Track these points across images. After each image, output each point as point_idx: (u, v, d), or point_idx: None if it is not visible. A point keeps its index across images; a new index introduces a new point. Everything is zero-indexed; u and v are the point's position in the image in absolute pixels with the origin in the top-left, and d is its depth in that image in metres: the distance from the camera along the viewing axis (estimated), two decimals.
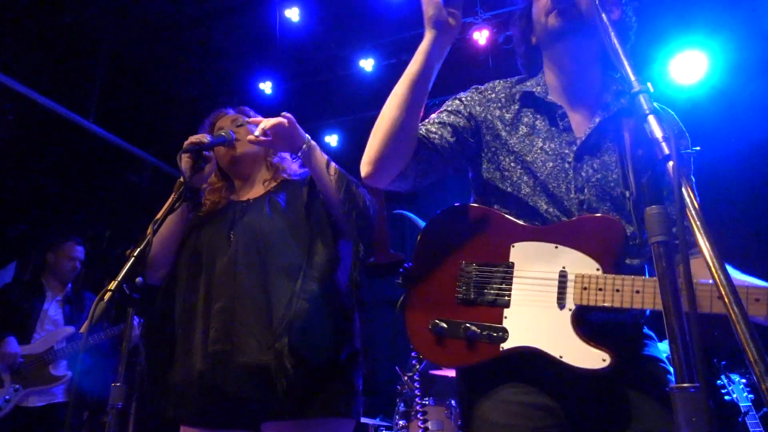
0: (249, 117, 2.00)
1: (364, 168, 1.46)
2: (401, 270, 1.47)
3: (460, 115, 1.48)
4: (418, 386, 3.18)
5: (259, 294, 1.64)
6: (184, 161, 1.77)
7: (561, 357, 1.21)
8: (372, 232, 1.72)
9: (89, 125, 5.03)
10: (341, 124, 5.85)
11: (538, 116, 1.44)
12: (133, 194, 5.74)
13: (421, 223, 5.52)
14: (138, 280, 1.44)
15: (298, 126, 1.69)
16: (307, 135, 1.73)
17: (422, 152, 1.43)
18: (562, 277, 1.25)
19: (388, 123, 1.39)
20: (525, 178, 1.38)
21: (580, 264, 1.25)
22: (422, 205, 5.89)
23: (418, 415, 3.11)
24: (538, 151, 1.39)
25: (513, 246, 1.33)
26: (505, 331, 1.27)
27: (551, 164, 1.37)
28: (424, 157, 1.44)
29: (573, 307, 1.23)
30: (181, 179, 1.74)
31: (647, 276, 1.22)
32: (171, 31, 5.05)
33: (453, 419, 3.34)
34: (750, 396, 3.14)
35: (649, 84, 0.83)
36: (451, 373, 4.21)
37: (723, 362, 3.07)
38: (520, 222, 1.36)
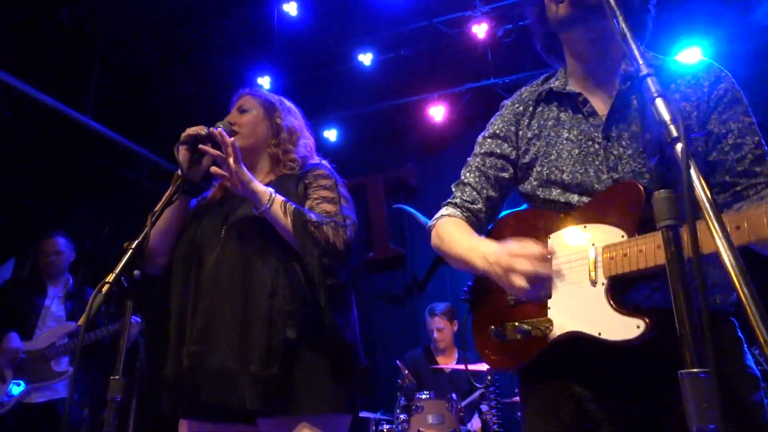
0: (258, 98, 1.97)
1: None
2: (465, 289, 1.55)
3: (495, 156, 1.53)
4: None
5: (238, 300, 1.63)
6: (181, 153, 1.75)
7: (600, 334, 1.20)
8: (344, 262, 1.68)
9: (87, 121, 5.01)
10: (340, 118, 5.83)
11: (562, 108, 1.45)
12: (132, 190, 5.72)
13: (421, 218, 5.58)
14: (136, 273, 1.43)
15: (243, 179, 1.67)
16: (269, 190, 1.69)
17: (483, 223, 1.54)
18: (591, 251, 1.25)
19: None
20: (554, 177, 1.39)
21: (606, 236, 1.24)
22: (421, 199, 5.90)
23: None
24: (564, 141, 1.40)
25: (549, 238, 1.35)
26: (550, 321, 1.28)
27: (577, 150, 1.37)
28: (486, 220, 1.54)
29: (605, 281, 1.22)
30: (179, 172, 1.72)
31: None
32: (169, 25, 5.03)
33: (454, 413, 3.34)
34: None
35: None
36: (451, 366, 4.21)
37: None
38: (555, 214, 1.37)
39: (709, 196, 0.66)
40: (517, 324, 1.33)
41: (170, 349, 1.68)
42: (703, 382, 0.65)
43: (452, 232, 1.49)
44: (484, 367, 3.50)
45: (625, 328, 1.16)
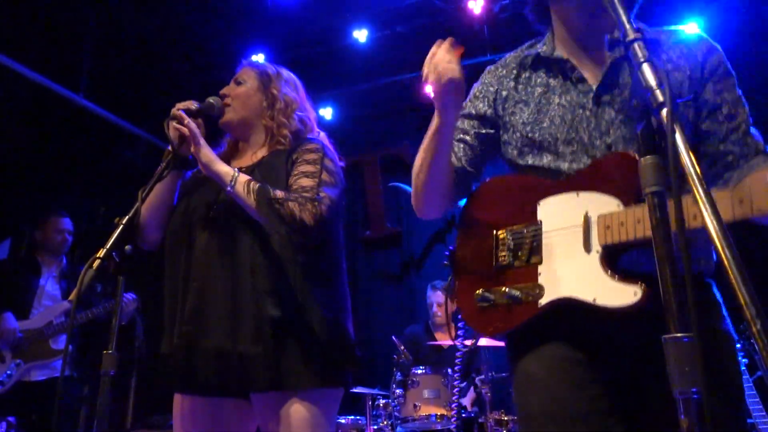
0: (255, 69, 1.95)
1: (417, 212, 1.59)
2: (446, 253, 1.52)
3: (472, 117, 1.52)
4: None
5: (227, 280, 1.64)
6: (172, 129, 1.74)
7: (594, 300, 1.20)
8: (316, 238, 1.66)
9: (80, 100, 4.97)
10: (336, 96, 5.79)
11: (551, 74, 1.43)
12: (127, 170, 5.70)
13: None
14: (127, 248, 1.43)
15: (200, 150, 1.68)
16: (232, 170, 1.67)
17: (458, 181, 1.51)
18: (586, 221, 1.25)
19: (420, 183, 1.52)
20: (546, 144, 1.38)
21: (601, 204, 1.24)
22: None
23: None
24: (555, 107, 1.39)
25: (539, 204, 1.34)
26: (541, 287, 1.28)
27: (570, 116, 1.36)
28: (460, 182, 1.52)
29: (599, 249, 1.22)
30: (170, 148, 1.71)
31: None
32: (162, 1, 4.96)
33: (449, 387, 3.37)
34: (744, 360, 3.17)
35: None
36: (447, 342, 4.24)
37: None
38: (545, 180, 1.37)
39: (694, 161, 0.66)
40: (506, 289, 1.32)
41: (165, 327, 1.70)
42: (686, 346, 0.66)
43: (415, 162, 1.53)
44: (482, 342, 3.53)
45: (622, 294, 1.16)
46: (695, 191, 0.66)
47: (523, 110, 1.43)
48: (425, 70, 1.39)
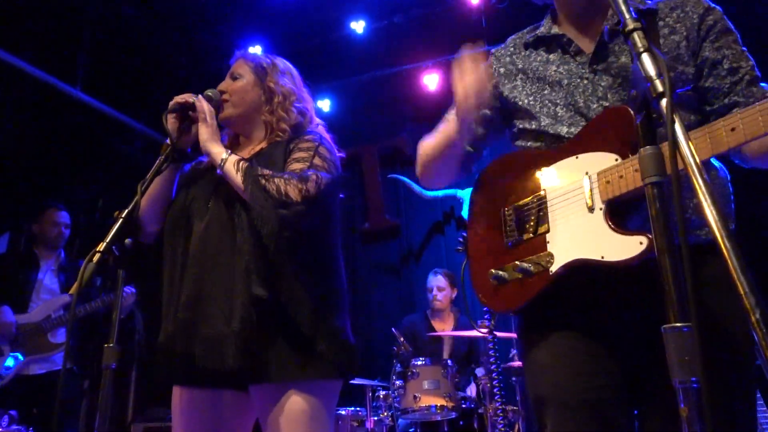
0: (251, 63, 1.93)
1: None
2: (459, 239, 1.56)
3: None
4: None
5: (226, 268, 1.63)
6: (170, 122, 1.73)
7: (603, 257, 1.20)
8: (299, 212, 1.61)
9: (77, 93, 4.95)
10: (333, 88, 5.77)
11: (550, 50, 1.47)
12: (125, 163, 5.68)
13: (416, 187, 5.59)
14: (127, 241, 1.43)
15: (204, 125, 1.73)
16: (224, 150, 1.70)
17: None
18: (586, 180, 1.26)
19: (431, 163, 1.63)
20: (545, 110, 1.41)
21: (600, 162, 1.25)
22: (416, 169, 5.86)
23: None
24: (553, 74, 1.42)
25: (541, 174, 1.36)
26: (551, 255, 1.29)
27: (566, 81, 1.40)
28: (465, 161, 1.59)
29: (602, 206, 1.23)
30: (168, 141, 1.71)
31: None
32: None
33: (449, 378, 3.39)
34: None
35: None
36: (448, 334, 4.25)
37: None
38: (545, 151, 1.39)
39: (694, 150, 0.65)
40: (517, 263, 1.33)
41: (163, 317, 1.69)
42: (686, 336, 0.66)
43: (425, 139, 1.62)
44: (483, 332, 3.54)
45: (628, 247, 1.15)
46: (695, 181, 0.66)
47: (524, 81, 1.48)
48: (457, 85, 1.41)
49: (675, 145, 0.67)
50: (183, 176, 1.87)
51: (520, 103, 1.46)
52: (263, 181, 1.60)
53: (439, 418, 3.48)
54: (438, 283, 4.49)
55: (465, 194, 5.25)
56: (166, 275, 1.73)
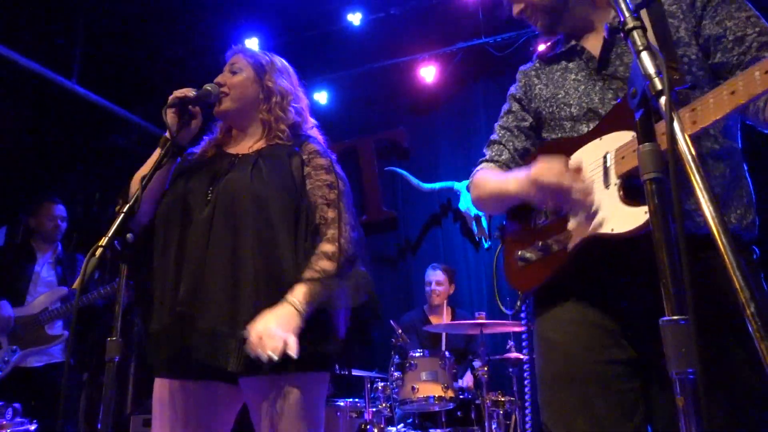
0: (249, 58, 1.92)
1: None
2: (497, 228, 1.66)
3: (521, 116, 1.64)
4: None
5: (228, 264, 1.63)
6: (170, 117, 1.74)
7: (612, 230, 1.23)
8: (346, 268, 1.70)
9: (73, 86, 4.93)
10: (330, 80, 5.76)
11: (568, 60, 1.55)
12: (122, 156, 5.67)
13: (413, 180, 5.63)
14: (129, 236, 1.44)
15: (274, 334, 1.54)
16: (296, 310, 1.60)
17: None
18: (604, 159, 1.31)
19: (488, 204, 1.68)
20: (564, 114, 1.49)
21: (618, 141, 1.29)
22: (413, 161, 5.88)
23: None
24: (571, 82, 1.50)
25: (570, 159, 1.40)
26: (569, 233, 1.34)
27: (583, 87, 1.47)
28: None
29: (617, 181, 1.26)
30: (167, 134, 1.72)
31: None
32: None
33: (447, 369, 3.42)
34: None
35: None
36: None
37: None
38: (574, 138, 1.44)
39: (692, 147, 0.67)
40: (539, 242, 1.40)
41: (155, 307, 1.67)
42: (683, 329, 0.68)
43: (486, 176, 1.62)
44: (478, 322, 3.57)
45: (635, 216, 1.18)
46: (692, 178, 0.67)
47: (543, 90, 1.57)
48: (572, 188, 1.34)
49: (673, 143, 0.68)
50: (178, 166, 1.85)
51: (544, 109, 1.55)
52: (326, 282, 1.63)
53: (436, 409, 3.51)
54: (437, 278, 4.51)
55: (462, 186, 5.26)
56: (158, 264, 1.70)
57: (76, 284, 1.34)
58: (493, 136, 1.69)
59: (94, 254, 1.37)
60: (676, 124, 0.67)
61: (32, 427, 3.09)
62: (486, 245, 5.27)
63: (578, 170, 1.33)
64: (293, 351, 1.49)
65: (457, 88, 5.62)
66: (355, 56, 5.63)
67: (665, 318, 0.69)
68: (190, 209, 1.72)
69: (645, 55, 0.76)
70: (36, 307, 3.70)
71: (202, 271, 1.63)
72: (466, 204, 5.21)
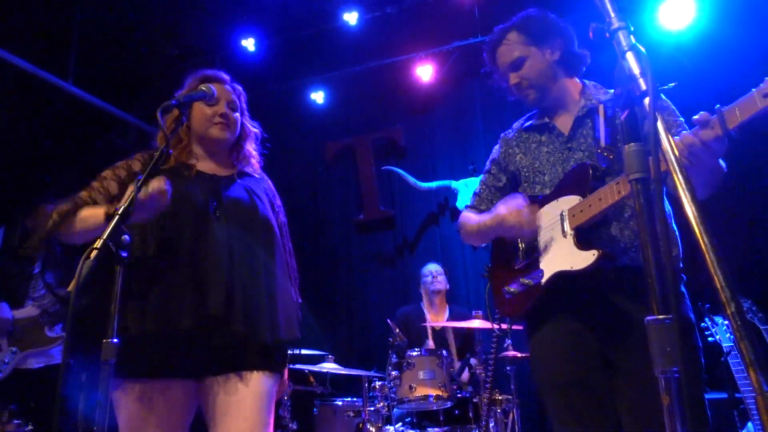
0: (239, 96, 2.08)
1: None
2: (483, 269, 2.18)
3: (495, 176, 2.14)
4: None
5: (258, 280, 1.82)
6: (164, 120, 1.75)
7: (572, 267, 1.70)
8: None
9: (69, 87, 4.93)
10: (327, 80, 5.76)
11: (541, 134, 2.01)
12: (119, 157, 5.66)
13: (410, 179, 5.63)
14: (124, 237, 1.44)
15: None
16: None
17: None
18: (561, 216, 1.79)
19: (474, 238, 2.17)
20: (538, 179, 1.95)
21: (570, 203, 1.78)
22: (410, 160, 5.89)
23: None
24: (544, 154, 1.97)
25: (540, 214, 1.87)
26: (541, 271, 1.79)
27: (553, 158, 1.93)
28: None
29: (572, 232, 1.74)
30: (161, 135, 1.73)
31: None
32: None
33: (444, 368, 3.42)
34: (732, 337, 3.23)
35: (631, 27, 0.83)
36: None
37: (707, 305, 3.15)
38: (542, 199, 1.90)
39: (675, 146, 0.68)
40: (521, 280, 1.83)
41: (134, 309, 1.73)
42: (668, 328, 0.68)
43: (469, 215, 2.13)
44: (474, 324, 3.58)
45: (585, 258, 1.67)
46: (675, 177, 0.68)
47: (522, 159, 2.03)
48: (517, 219, 1.85)
49: (657, 143, 0.69)
50: (177, 179, 1.87)
51: (522, 172, 2.01)
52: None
53: (434, 408, 3.52)
54: (436, 269, 4.57)
55: (459, 185, 5.27)
56: (161, 273, 1.75)
57: (71, 286, 1.35)
58: (477, 190, 2.18)
59: (89, 256, 1.38)
60: (659, 124, 0.68)
61: (29, 428, 3.09)
62: (483, 244, 5.28)
63: (532, 214, 1.82)
64: None
65: (453, 87, 5.62)
66: (352, 55, 5.63)
67: (650, 317, 0.70)
68: (198, 223, 1.81)
69: (630, 56, 0.77)
70: (35, 309, 3.70)
71: (233, 283, 1.76)
72: (463, 202, 5.21)
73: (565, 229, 1.74)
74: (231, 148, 2.07)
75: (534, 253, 1.84)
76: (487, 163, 2.17)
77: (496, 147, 2.15)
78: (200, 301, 1.72)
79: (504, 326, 3.47)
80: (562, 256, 1.73)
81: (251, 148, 2.12)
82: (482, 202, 2.13)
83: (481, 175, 2.19)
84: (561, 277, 1.72)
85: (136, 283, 1.72)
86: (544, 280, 1.75)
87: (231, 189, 1.93)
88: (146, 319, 1.70)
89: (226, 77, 2.08)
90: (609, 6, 0.83)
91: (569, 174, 1.83)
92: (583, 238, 1.72)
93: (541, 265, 1.78)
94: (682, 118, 1.78)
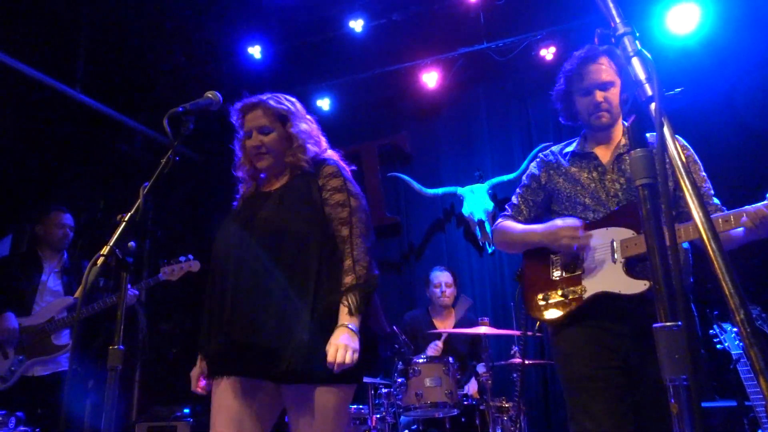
0: (271, 110, 2.08)
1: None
2: (516, 271, 2.32)
3: (537, 192, 2.31)
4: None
5: (277, 292, 1.85)
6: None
7: (620, 291, 1.92)
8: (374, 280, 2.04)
9: (76, 94, 4.96)
10: (332, 86, 5.77)
11: (583, 162, 2.19)
12: (126, 163, 5.70)
13: (416, 185, 5.63)
14: (131, 244, 1.44)
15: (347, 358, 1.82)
16: (349, 333, 1.84)
17: None
18: (611, 244, 2.00)
19: (510, 247, 2.40)
20: (578, 200, 2.14)
21: (622, 234, 2.00)
22: (416, 166, 5.88)
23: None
24: (585, 179, 2.16)
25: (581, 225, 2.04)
26: (584, 287, 2.01)
27: (593, 185, 2.13)
28: None
29: (622, 259, 1.97)
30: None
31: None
32: None
33: (450, 375, 3.41)
34: (741, 344, 3.20)
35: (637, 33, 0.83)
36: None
37: (715, 312, 3.12)
38: (585, 222, 2.07)
39: (681, 152, 0.67)
40: (560, 291, 2.06)
41: (205, 329, 1.91)
42: (676, 334, 0.68)
43: (511, 224, 2.28)
44: (481, 330, 3.56)
45: (635, 286, 1.91)
46: (681, 182, 0.67)
47: (562, 183, 2.20)
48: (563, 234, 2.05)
49: (663, 148, 0.68)
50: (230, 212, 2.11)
51: (562, 197, 2.19)
52: (358, 297, 1.91)
53: (441, 415, 3.50)
54: (446, 279, 4.49)
55: (465, 191, 5.25)
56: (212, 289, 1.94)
57: (77, 293, 1.35)
58: (514, 200, 2.33)
59: (95, 263, 1.38)
60: (665, 129, 0.68)
61: None
62: (489, 250, 5.26)
63: (587, 237, 1.99)
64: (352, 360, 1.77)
65: (459, 93, 5.62)
66: (358, 62, 5.64)
67: (658, 324, 0.69)
68: (231, 247, 1.94)
69: (636, 61, 0.77)
70: (42, 316, 3.71)
71: (257, 298, 1.85)
72: (469, 209, 5.21)
73: (616, 257, 1.96)
74: (287, 163, 2.09)
75: (576, 269, 2.04)
76: (525, 178, 2.34)
77: (534, 164, 2.32)
78: (218, 327, 1.85)
79: (538, 334, 3.56)
80: (609, 278, 1.95)
81: (301, 152, 2.07)
82: (520, 213, 2.31)
83: (518, 189, 2.35)
84: (604, 295, 1.95)
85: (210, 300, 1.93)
86: (586, 295, 1.98)
87: (267, 205, 2.01)
88: (207, 334, 1.91)
89: (254, 99, 2.10)
90: (614, 12, 0.83)
91: (624, 208, 2.03)
92: (633, 267, 1.94)
93: (584, 282, 2.00)
94: (704, 174, 2.08)
